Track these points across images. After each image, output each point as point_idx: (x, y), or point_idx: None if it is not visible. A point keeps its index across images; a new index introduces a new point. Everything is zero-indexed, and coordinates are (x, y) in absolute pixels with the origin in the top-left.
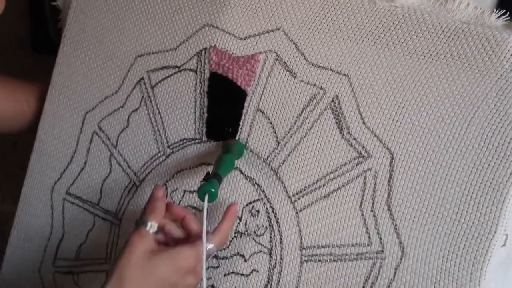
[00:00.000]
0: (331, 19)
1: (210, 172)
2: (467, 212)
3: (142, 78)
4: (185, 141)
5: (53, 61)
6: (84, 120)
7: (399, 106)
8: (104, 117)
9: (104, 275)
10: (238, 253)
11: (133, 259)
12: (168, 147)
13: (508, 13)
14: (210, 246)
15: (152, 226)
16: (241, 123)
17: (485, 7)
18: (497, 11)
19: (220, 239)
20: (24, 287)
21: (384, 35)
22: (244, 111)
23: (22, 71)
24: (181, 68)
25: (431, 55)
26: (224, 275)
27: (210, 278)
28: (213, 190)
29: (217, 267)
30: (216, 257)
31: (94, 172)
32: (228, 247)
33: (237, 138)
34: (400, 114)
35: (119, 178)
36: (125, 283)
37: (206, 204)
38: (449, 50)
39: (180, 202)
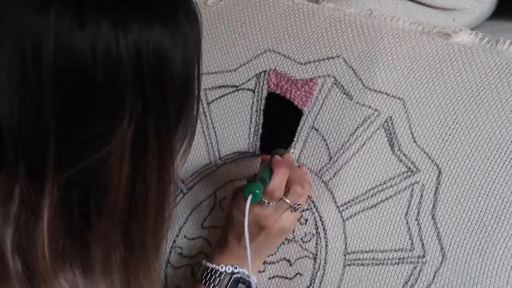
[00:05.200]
0: (390, 50)
1: (257, 175)
2: (508, 221)
3: None
4: (237, 153)
5: None
6: None
7: (449, 128)
8: None
9: None
10: (284, 258)
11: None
12: (220, 158)
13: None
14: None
15: (270, 205)
16: (295, 139)
17: (485, 5)
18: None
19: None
20: None
21: (440, 65)
22: (299, 128)
23: None
24: (239, 88)
25: (483, 84)
26: (269, 278)
27: None
28: (257, 191)
29: (263, 271)
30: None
31: None
32: (275, 253)
33: (291, 152)
34: (450, 135)
35: None
36: None
37: (248, 203)
38: (500, 80)
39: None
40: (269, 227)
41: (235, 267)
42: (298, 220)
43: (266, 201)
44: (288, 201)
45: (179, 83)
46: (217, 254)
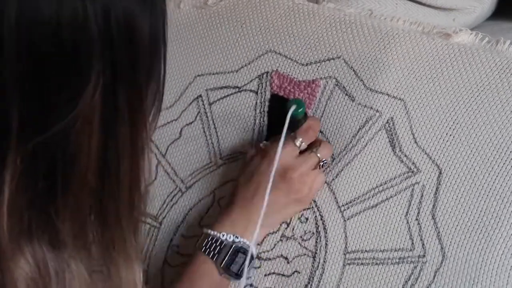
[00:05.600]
0: (390, 50)
1: None
2: (508, 221)
3: (200, 96)
4: (239, 154)
5: None
6: None
7: (450, 128)
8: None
9: None
10: (281, 255)
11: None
12: (221, 158)
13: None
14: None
15: (302, 144)
16: None
17: (485, 5)
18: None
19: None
20: None
21: (440, 65)
22: None
23: None
24: (241, 89)
25: (483, 84)
26: (265, 275)
27: (250, 277)
28: (301, 107)
29: (259, 267)
30: (258, 258)
31: None
32: (272, 249)
33: None
34: (450, 135)
35: (164, 184)
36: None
37: (290, 112)
38: (501, 80)
39: None
40: (292, 181)
41: (236, 236)
42: (299, 218)
43: (300, 138)
44: (318, 154)
45: (147, 47)
46: (219, 224)
